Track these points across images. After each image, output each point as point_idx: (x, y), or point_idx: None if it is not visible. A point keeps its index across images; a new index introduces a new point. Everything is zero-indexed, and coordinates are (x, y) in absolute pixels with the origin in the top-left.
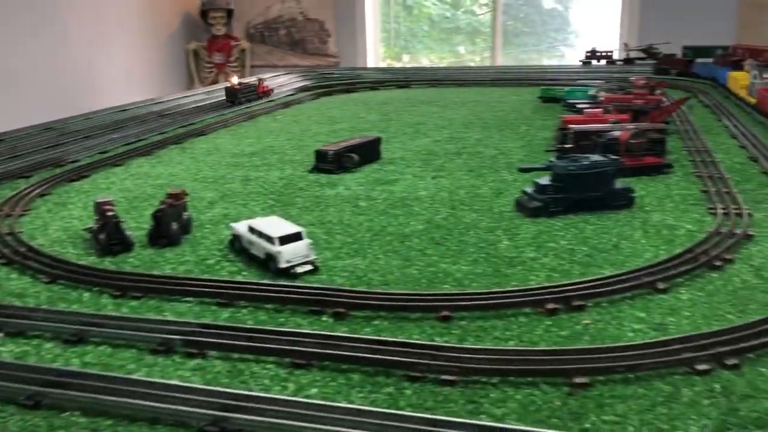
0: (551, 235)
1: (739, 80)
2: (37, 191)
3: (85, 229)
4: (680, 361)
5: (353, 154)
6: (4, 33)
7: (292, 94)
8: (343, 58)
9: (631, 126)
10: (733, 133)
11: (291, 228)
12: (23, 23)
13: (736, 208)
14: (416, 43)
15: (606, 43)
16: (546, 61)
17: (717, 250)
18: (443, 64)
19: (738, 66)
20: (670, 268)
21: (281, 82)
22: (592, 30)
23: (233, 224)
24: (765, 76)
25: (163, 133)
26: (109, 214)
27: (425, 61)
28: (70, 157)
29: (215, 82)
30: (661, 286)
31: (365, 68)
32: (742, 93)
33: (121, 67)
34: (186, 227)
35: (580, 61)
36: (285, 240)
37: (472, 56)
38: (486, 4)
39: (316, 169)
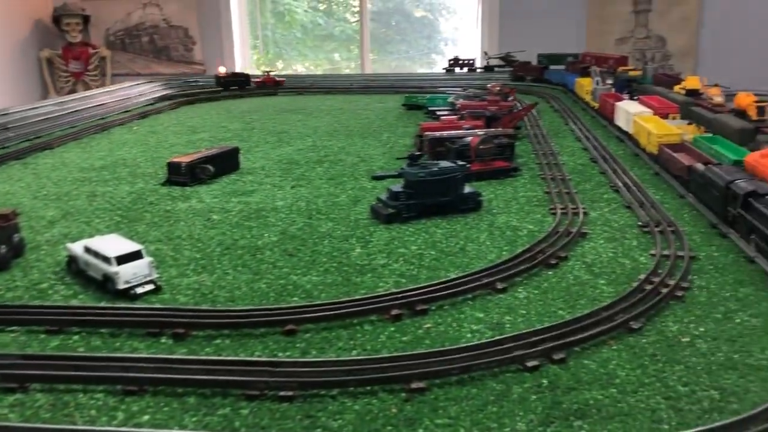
0: (402, 240)
1: (585, 86)
2: None
3: None
4: (512, 359)
5: (208, 166)
6: None
7: (151, 104)
8: (209, 66)
9: (480, 132)
10: (578, 136)
11: (130, 246)
12: None
13: (574, 208)
14: (290, 50)
15: (469, 52)
16: (418, 68)
17: (553, 248)
18: (318, 71)
19: (585, 72)
20: (509, 268)
21: (141, 91)
22: (459, 38)
23: (69, 245)
24: (608, 82)
25: (5, 147)
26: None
27: (300, 68)
28: None
29: (73, 91)
30: (500, 286)
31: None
32: (587, 98)
33: None
34: (17, 250)
35: (443, 68)
36: (123, 259)
37: (347, 63)
38: (359, 12)
39: (169, 182)
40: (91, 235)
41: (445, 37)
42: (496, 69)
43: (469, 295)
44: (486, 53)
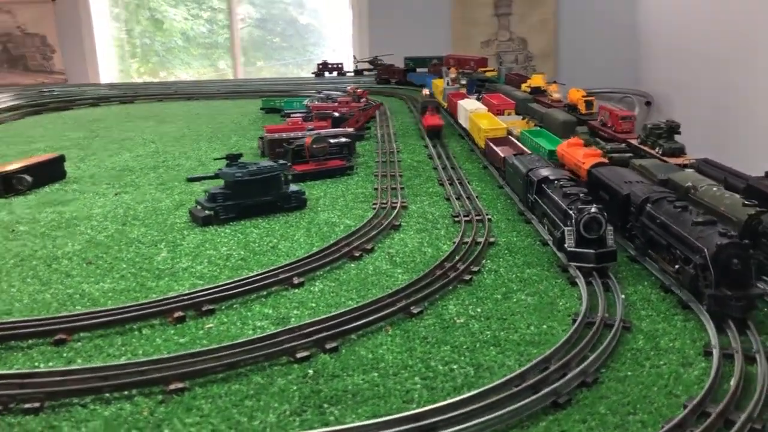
0: (214, 243)
1: (439, 86)
2: None
3: None
4: (282, 351)
5: (25, 176)
6: None
7: None
8: (71, 75)
9: (313, 132)
10: (421, 135)
11: None
12: None
13: (394, 202)
14: (172, 59)
15: (339, 56)
16: (303, 74)
17: (360, 241)
18: (204, 77)
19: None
20: (311, 263)
21: None
22: (335, 43)
23: None
24: (462, 82)
25: None
26: None
27: (184, 76)
28: None
29: None
30: (297, 281)
31: (93, 84)
32: (440, 98)
33: None
34: None
35: (312, 72)
36: None
37: (234, 70)
38: (242, 19)
39: None
40: None
41: (333, 43)
42: (365, 72)
43: (264, 292)
44: (355, 57)
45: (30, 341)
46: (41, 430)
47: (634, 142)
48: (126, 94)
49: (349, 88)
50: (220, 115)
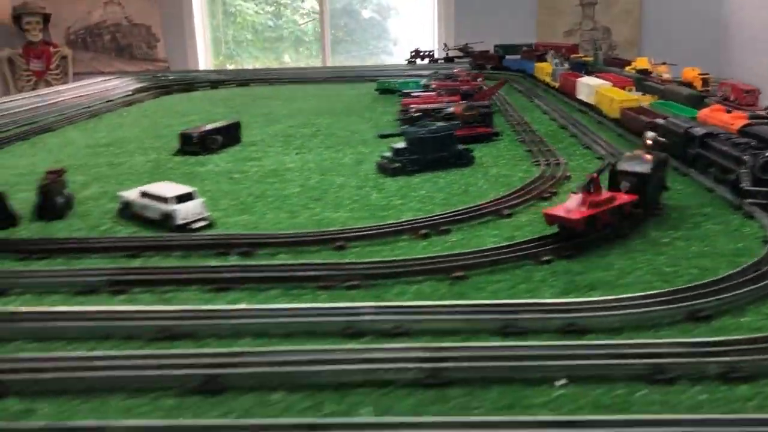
0: (412, 188)
1: (544, 69)
2: None
3: None
4: (528, 255)
5: (218, 136)
6: None
7: (131, 94)
8: (172, 63)
9: (462, 102)
10: (544, 109)
11: (184, 189)
12: None
13: (555, 160)
14: (241, 52)
15: (426, 45)
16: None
17: (545, 186)
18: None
19: (542, 59)
20: (511, 200)
21: (116, 85)
22: (412, 35)
23: (121, 193)
24: (565, 65)
25: (8, 130)
26: (51, 182)
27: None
28: None
29: (35, 89)
30: (506, 212)
31: (199, 70)
32: (547, 79)
33: None
34: (69, 202)
35: (405, 60)
36: (180, 199)
37: (296, 65)
38: (307, 14)
39: (182, 152)
40: (110, 193)
41: (394, 37)
42: (455, 59)
43: (482, 220)
44: (446, 45)
45: (317, 247)
46: (371, 298)
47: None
48: (235, 79)
49: (456, 70)
50: (338, 96)
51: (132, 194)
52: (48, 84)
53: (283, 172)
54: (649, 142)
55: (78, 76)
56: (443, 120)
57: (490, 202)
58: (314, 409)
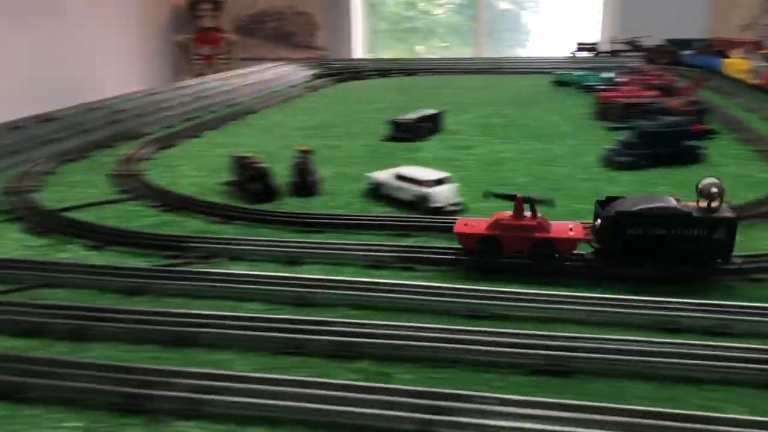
0: (648, 182)
1: (736, 65)
2: (142, 152)
3: (226, 183)
4: None
5: (428, 124)
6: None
7: (309, 81)
8: (332, 51)
9: (678, 97)
10: (749, 108)
11: (439, 173)
12: (21, 13)
13: None
14: (377, 42)
15: (582, 38)
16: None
17: None
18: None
19: (725, 54)
20: None
21: (289, 71)
22: (550, 28)
23: (371, 174)
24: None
25: (213, 111)
26: (258, 166)
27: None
28: (143, 131)
29: (202, 74)
30: None
31: (361, 59)
32: (742, 76)
33: (114, 58)
34: (319, 181)
35: (570, 53)
36: (436, 183)
37: (452, 55)
38: (442, 5)
39: (392, 138)
40: (361, 174)
41: (528, 29)
42: (620, 53)
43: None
44: (614, 38)
45: None
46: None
47: None
48: (402, 68)
49: (639, 65)
50: (512, 87)
51: (383, 176)
52: (215, 68)
53: (500, 161)
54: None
55: (242, 61)
56: (658, 114)
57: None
58: (671, 401)
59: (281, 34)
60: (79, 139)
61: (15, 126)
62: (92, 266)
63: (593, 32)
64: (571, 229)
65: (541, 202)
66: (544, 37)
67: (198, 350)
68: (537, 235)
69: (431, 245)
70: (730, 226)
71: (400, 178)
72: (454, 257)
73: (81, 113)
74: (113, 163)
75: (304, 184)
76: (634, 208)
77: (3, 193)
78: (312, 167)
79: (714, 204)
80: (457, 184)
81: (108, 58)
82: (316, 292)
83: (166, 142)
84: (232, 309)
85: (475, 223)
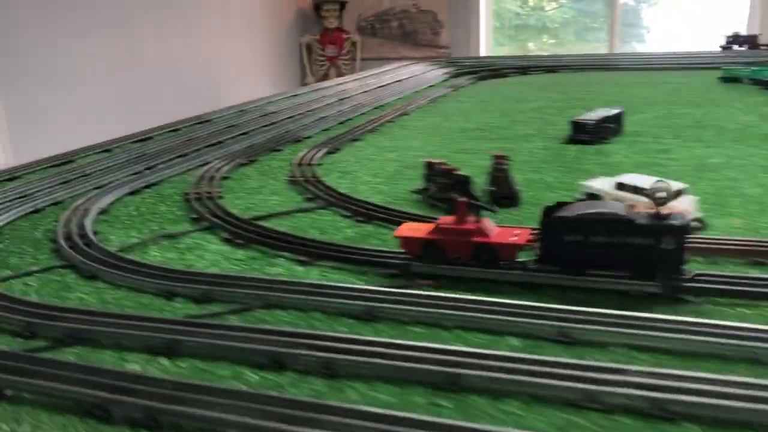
0: None
1: None
2: (313, 156)
3: (416, 191)
4: None
5: (611, 125)
6: (149, 25)
7: (446, 80)
8: (454, 50)
9: None
10: None
11: (676, 184)
12: (159, 16)
13: None
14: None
15: (737, 30)
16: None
17: None
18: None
19: None
20: None
21: (419, 70)
22: (668, 22)
23: (586, 183)
24: None
25: (363, 113)
26: (505, 167)
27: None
28: (302, 134)
29: (327, 75)
30: None
31: (492, 57)
32: None
33: (245, 60)
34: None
35: (720, 46)
36: (672, 196)
37: (539, 53)
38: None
39: (571, 140)
40: (557, 181)
41: (648, 24)
42: None
43: None
44: None
45: None
46: None
47: None
48: (540, 65)
49: None
50: (672, 85)
51: (601, 184)
52: (338, 69)
53: (713, 168)
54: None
55: (364, 61)
56: None
57: None
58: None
59: (404, 33)
60: (241, 143)
61: (173, 128)
62: (316, 285)
63: (729, 25)
64: (516, 235)
65: (484, 207)
66: (664, 31)
67: (473, 397)
68: (477, 239)
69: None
70: (680, 234)
71: (626, 188)
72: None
73: (235, 115)
74: (284, 167)
75: (505, 193)
76: (572, 213)
77: (185, 198)
78: (511, 175)
79: (666, 209)
80: (695, 198)
81: (239, 59)
82: (581, 328)
83: (331, 146)
84: (488, 344)
85: (417, 227)
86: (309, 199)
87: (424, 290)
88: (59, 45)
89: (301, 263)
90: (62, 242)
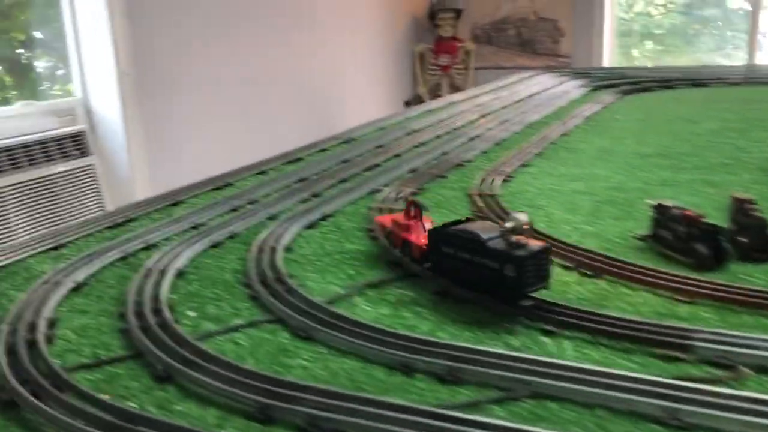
0: None
1: None
2: (490, 184)
3: (642, 237)
4: None
5: None
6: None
7: (587, 94)
8: (576, 59)
9: None
10: None
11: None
12: (283, 29)
13: None
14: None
15: None
16: (724, 62)
17: None
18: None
19: None
20: None
21: (549, 82)
22: None
23: None
24: None
25: (518, 134)
26: (757, 213)
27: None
28: (463, 157)
29: (439, 85)
30: None
31: (624, 67)
32: None
33: (360, 70)
34: None
35: None
36: None
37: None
38: (663, 5)
39: None
40: None
41: (764, 30)
42: None
43: None
44: None
45: None
46: None
47: None
48: (685, 78)
49: None
50: None
51: None
52: (451, 78)
53: None
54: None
55: (478, 70)
56: None
57: None
58: None
59: (522, 42)
60: (400, 167)
61: (321, 149)
62: (593, 372)
63: None
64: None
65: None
66: None
67: None
68: (404, 235)
69: None
70: (519, 264)
71: None
72: None
73: (378, 133)
74: (459, 197)
75: (760, 246)
76: (449, 228)
77: (369, 236)
78: (764, 221)
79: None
80: None
81: (357, 68)
82: None
83: (501, 173)
84: None
85: (393, 217)
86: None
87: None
88: (191, 52)
89: (546, 333)
90: (260, 288)
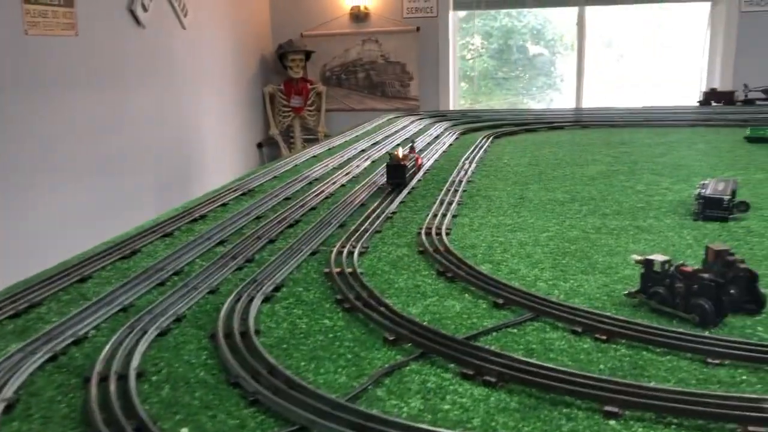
0: None
1: None
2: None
3: (633, 294)
4: None
5: (739, 198)
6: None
7: (457, 137)
8: (423, 102)
9: None
10: None
11: None
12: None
13: None
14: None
15: (711, 85)
16: (534, 105)
17: None
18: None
19: None
20: None
21: (414, 125)
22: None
23: None
24: None
25: (422, 180)
26: (741, 266)
27: (495, 105)
28: (389, 210)
29: (291, 126)
30: None
31: (474, 110)
32: None
33: (214, 112)
34: None
35: (697, 102)
36: None
37: (529, 100)
38: (475, 50)
39: (703, 218)
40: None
41: (560, 74)
42: (757, 102)
43: None
44: (746, 86)
45: None
46: None
47: None
48: (574, 121)
49: None
50: (702, 143)
51: None
52: (303, 120)
53: None
54: None
55: (329, 112)
56: None
57: None
58: None
59: (372, 84)
60: (329, 224)
61: (223, 203)
62: None
63: (697, 80)
64: None
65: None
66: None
67: None
68: None
69: None
70: None
71: None
72: None
73: (274, 183)
74: (411, 254)
75: (750, 299)
76: None
77: (344, 309)
78: (752, 272)
79: None
80: None
81: (209, 112)
82: None
83: (439, 222)
84: None
85: None
86: (497, 305)
87: None
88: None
89: (608, 416)
90: (254, 386)
